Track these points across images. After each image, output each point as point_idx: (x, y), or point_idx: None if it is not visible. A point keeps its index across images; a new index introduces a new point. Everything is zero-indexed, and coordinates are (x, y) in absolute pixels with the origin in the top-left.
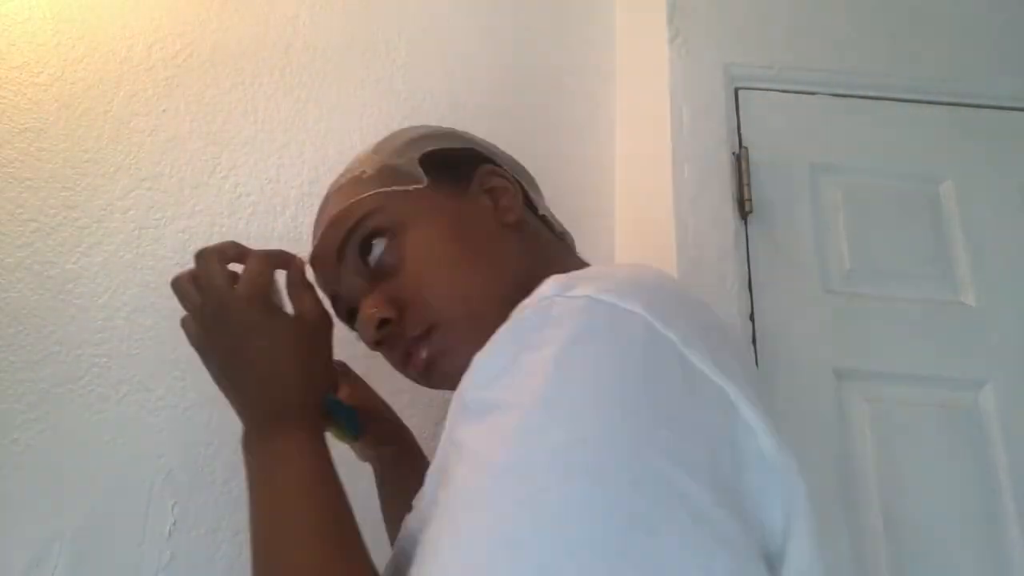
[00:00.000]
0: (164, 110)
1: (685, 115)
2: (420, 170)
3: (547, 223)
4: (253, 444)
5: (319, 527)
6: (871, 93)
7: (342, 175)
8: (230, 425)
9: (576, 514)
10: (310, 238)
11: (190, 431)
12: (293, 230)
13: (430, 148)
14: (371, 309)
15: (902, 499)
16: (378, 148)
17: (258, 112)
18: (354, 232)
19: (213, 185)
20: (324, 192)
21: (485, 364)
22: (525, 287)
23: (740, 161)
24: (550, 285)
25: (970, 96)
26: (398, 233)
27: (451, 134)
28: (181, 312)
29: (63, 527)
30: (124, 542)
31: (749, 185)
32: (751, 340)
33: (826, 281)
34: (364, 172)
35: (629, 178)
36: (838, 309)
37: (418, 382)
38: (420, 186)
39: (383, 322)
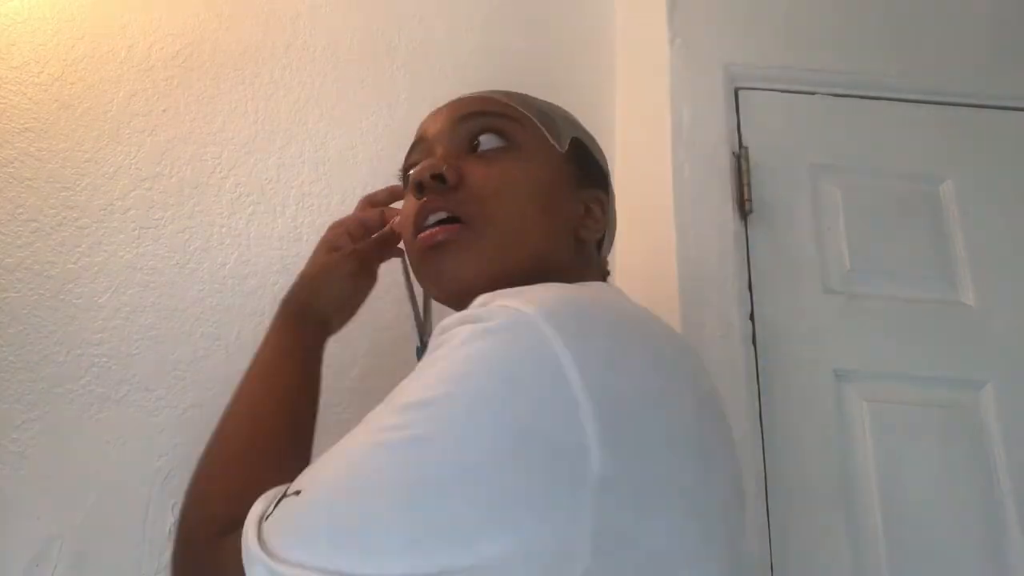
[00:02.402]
0: (164, 110)
1: (685, 115)
2: (567, 143)
3: (605, 276)
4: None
5: (246, 442)
6: (871, 93)
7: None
8: None
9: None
10: (310, 237)
11: (190, 431)
12: (293, 230)
13: (583, 139)
14: (441, 162)
15: (902, 499)
16: (555, 106)
17: (258, 112)
18: (488, 116)
19: (213, 185)
20: (324, 192)
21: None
22: (534, 280)
23: (740, 161)
24: (478, 302)
25: (970, 96)
26: (512, 149)
27: (600, 151)
28: (181, 312)
29: (63, 527)
30: (124, 542)
31: (749, 185)
32: (751, 340)
33: (826, 281)
34: (536, 103)
35: (629, 178)
36: (838, 309)
37: (411, 260)
38: (557, 148)
39: (438, 176)
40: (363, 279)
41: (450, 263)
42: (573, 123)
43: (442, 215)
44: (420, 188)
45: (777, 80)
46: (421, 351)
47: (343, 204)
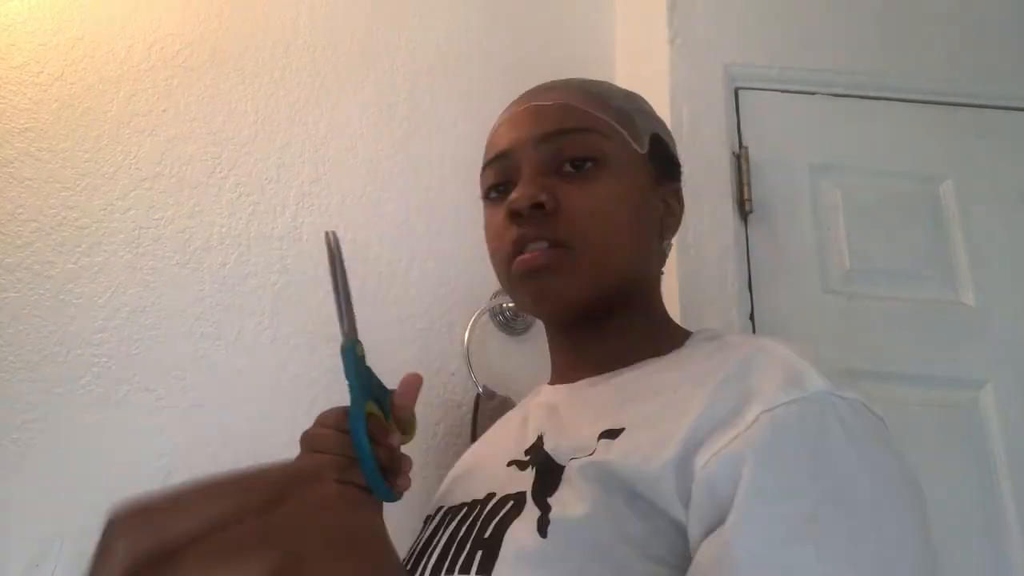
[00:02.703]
0: (164, 110)
1: (685, 115)
2: (647, 142)
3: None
4: None
5: None
6: (871, 93)
7: (588, 81)
8: (230, 425)
9: None
10: (310, 237)
11: (190, 431)
12: (293, 230)
13: (660, 133)
14: (539, 192)
15: None
16: (624, 94)
17: (258, 112)
18: (571, 134)
19: (213, 185)
20: (324, 192)
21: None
22: (629, 291)
23: (740, 161)
24: (813, 380)
25: (970, 96)
26: (602, 166)
27: (672, 138)
28: (181, 312)
29: (63, 527)
30: None
31: (749, 185)
32: None
33: (826, 281)
34: (612, 98)
35: None
36: (838, 309)
37: (504, 282)
38: (639, 151)
39: (538, 205)
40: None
41: (553, 285)
42: (648, 114)
43: (543, 243)
44: (519, 215)
45: (777, 80)
46: (348, 351)
47: (343, 204)
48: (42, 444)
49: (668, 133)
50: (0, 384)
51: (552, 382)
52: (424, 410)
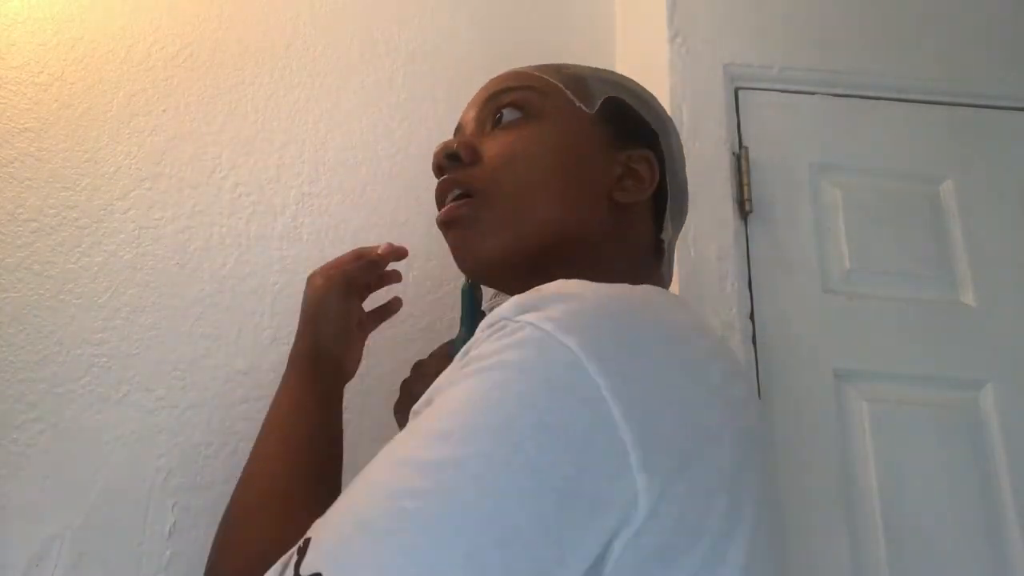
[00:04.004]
0: (164, 110)
1: (685, 115)
2: (598, 103)
3: (659, 246)
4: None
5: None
6: (871, 93)
7: (565, 64)
8: (230, 425)
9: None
10: (310, 237)
11: (190, 431)
12: (293, 230)
13: (622, 98)
14: (454, 144)
15: (902, 499)
16: (596, 69)
17: (258, 112)
18: (511, 91)
19: (213, 185)
20: (324, 192)
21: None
22: (561, 250)
23: (740, 161)
24: (511, 305)
25: (970, 96)
26: (531, 117)
27: (651, 108)
28: (181, 312)
29: (63, 527)
30: (124, 542)
31: (749, 185)
32: (751, 340)
33: (826, 281)
34: (570, 69)
35: None
36: (838, 309)
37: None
38: (583, 108)
39: (451, 156)
40: (353, 301)
41: (465, 238)
42: (615, 84)
43: (456, 192)
44: (439, 170)
45: (777, 80)
46: (466, 292)
47: (343, 204)
48: (42, 444)
49: (646, 103)
50: (0, 384)
51: None
52: None
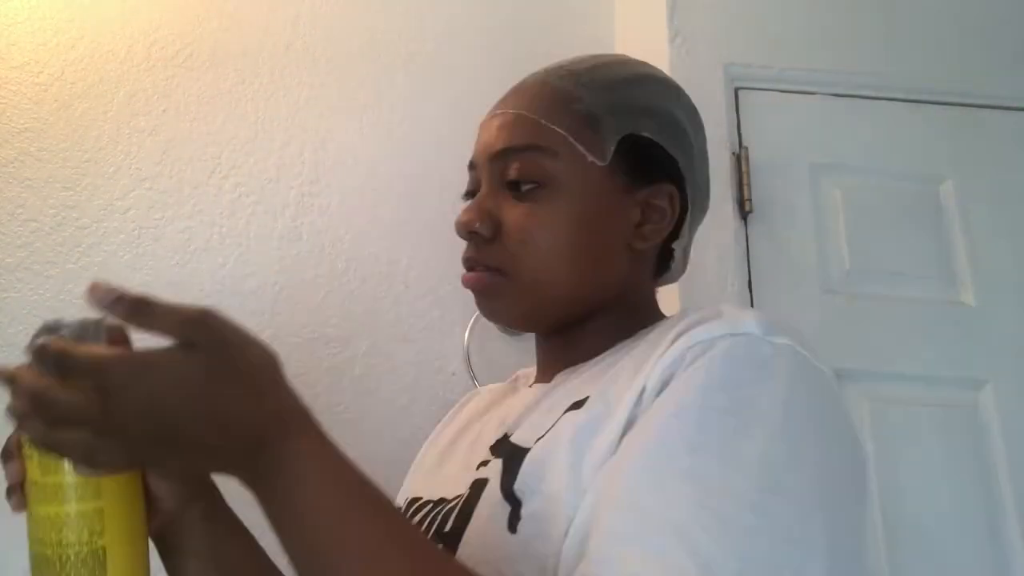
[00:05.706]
0: (164, 110)
1: None
2: (612, 148)
3: (669, 257)
4: (258, 478)
5: (389, 536)
6: (871, 93)
7: (563, 66)
8: None
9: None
10: (310, 237)
11: None
12: (293, 230)
13: (641, 133)
14: (476, 219)
15: (902, 499)
16: (609, 82)
17: (258, 112)
18: (517, 152)
19: (213, 185)
20: (324, 192)
21: (690, 376)
22: (583, 305)
23: (740, 161)
24: (751, 322)
25: (970, 96)
26: (547, 186)
27: (674, 125)
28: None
29: None
30: None
31: (749, 185)
32: None
33: (826, 281)
34: (580, 99)
35: None
36: (838, 309)
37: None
38: (596, 162)
39: (473, 234)
40: None
41: (492, 308)
42: (630, 107)
43: (481, 267)
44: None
45: (777, 80)
46: None
47: (343, 204)
48: None
49: (663, 119)
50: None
51: (532, 383)
52: (424, 410)
